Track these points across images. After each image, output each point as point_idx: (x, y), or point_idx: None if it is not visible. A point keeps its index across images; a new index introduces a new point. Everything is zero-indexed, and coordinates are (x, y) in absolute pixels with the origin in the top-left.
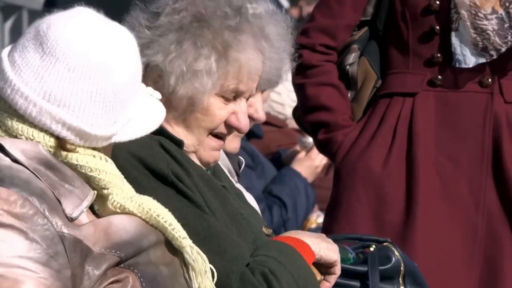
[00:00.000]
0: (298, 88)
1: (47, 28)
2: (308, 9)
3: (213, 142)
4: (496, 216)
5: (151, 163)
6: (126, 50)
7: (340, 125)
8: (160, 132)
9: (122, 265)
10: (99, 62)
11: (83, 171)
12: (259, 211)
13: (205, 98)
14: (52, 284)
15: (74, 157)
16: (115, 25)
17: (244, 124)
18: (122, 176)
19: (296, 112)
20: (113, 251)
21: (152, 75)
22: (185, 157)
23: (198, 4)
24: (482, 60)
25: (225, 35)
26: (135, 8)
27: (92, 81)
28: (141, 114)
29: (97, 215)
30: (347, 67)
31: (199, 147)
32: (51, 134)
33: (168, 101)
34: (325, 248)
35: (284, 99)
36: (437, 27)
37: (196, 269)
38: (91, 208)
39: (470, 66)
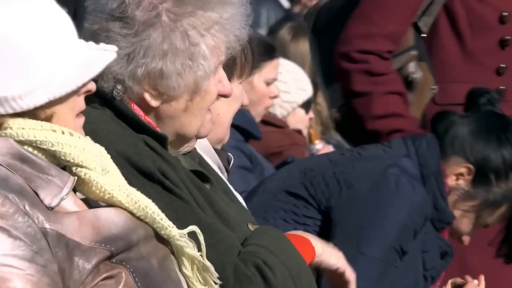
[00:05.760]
0: (361, 95)
1: None
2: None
3: (208, 115)
4: None
5: (137, 161)
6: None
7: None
8: (144, 129)
9: (114, 260)
10: None
11: (45, 147)
12: (246, 207)
13: (206, 81)
14: (39, 280)
15: (31, 134)
16: None
17: (230, 88)
18: (105, 155)
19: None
20: (103, 245)
21: (151, 82)
22: (169, 156)
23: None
24: None
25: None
26: (101, 20)
27: None
28: (79, 64)
29: (87, 202)
30: (412, 75)
31: (200, 127)
32: None
33: (170, 98)
34: (328, 253)
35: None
36: (509, 38)
37: (189, 253)
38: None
39: None
